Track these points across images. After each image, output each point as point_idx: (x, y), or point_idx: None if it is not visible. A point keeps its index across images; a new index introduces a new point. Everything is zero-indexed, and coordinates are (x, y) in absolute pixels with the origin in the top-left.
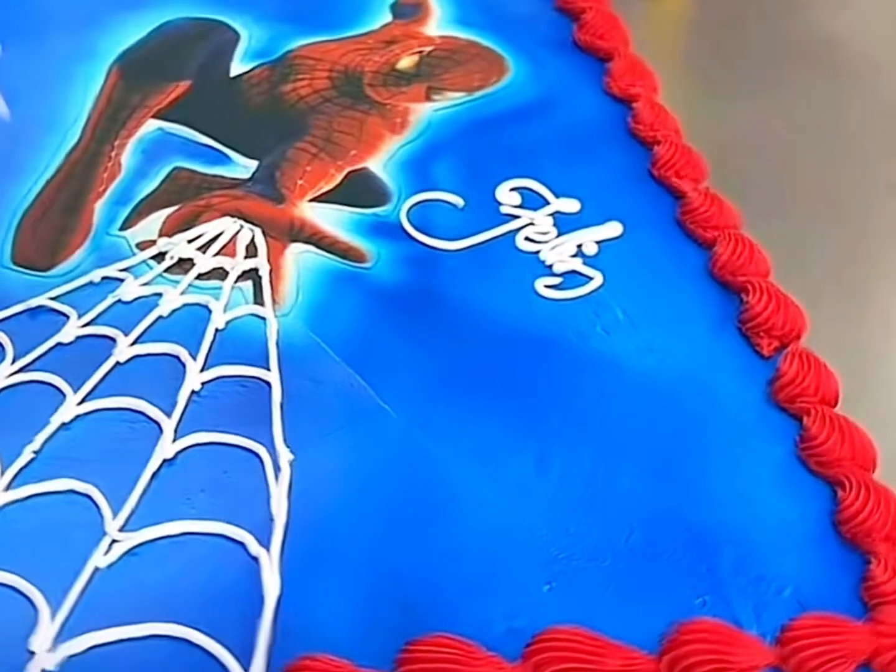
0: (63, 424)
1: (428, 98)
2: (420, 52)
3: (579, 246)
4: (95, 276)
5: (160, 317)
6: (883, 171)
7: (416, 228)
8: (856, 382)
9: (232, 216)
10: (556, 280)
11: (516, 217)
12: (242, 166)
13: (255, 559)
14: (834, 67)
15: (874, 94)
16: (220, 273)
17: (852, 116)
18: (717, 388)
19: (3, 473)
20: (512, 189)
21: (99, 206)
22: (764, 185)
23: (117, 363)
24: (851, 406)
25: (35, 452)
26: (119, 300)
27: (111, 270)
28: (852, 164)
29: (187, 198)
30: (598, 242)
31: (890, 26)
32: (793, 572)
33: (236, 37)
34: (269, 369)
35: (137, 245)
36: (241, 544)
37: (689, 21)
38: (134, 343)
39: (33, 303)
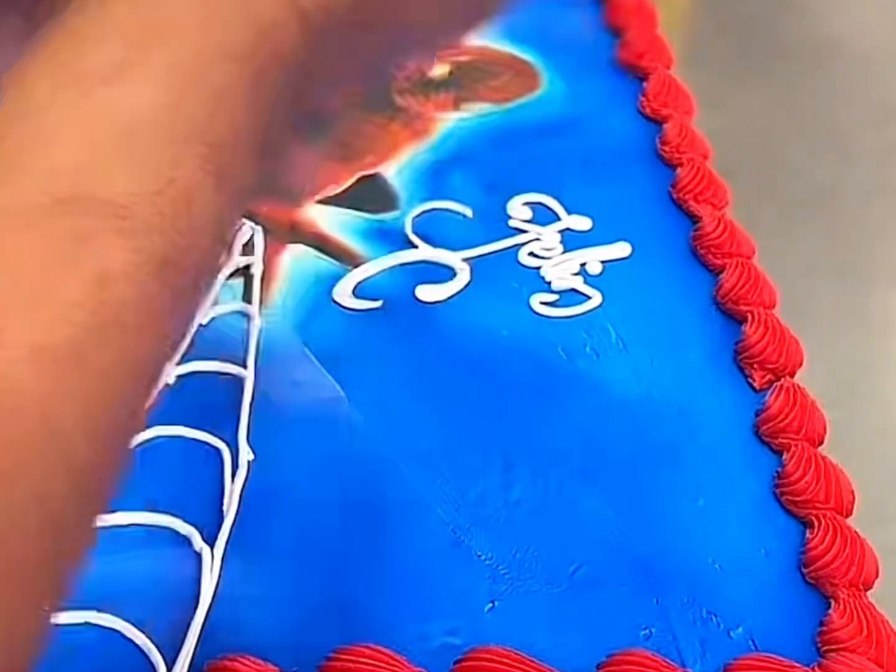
0: None
1: (456, 108)
2: (455, 60)
3: (583, 264)
4: None
5: None
6: (878, 172)
7: (419, 237)
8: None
9: None
10: (553, 297)
11: (523, 231)
12: None
13: (199, 555)
14: (831, 68)
15: (869, 94)
16: None
17: (848, 117)
18: (701, 418)
19: None
20: (524, 203)
21: None
22: (755, 181)
23: None
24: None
25: None
26: None
27: None
28: (847, 163)
29: None
30: (603, 262)
31: (887, 29)
32: (748, 611)
33: None
34: (245, 367)
35: None
36: (188, 539)
37: (690, 20)
38: None
39: None
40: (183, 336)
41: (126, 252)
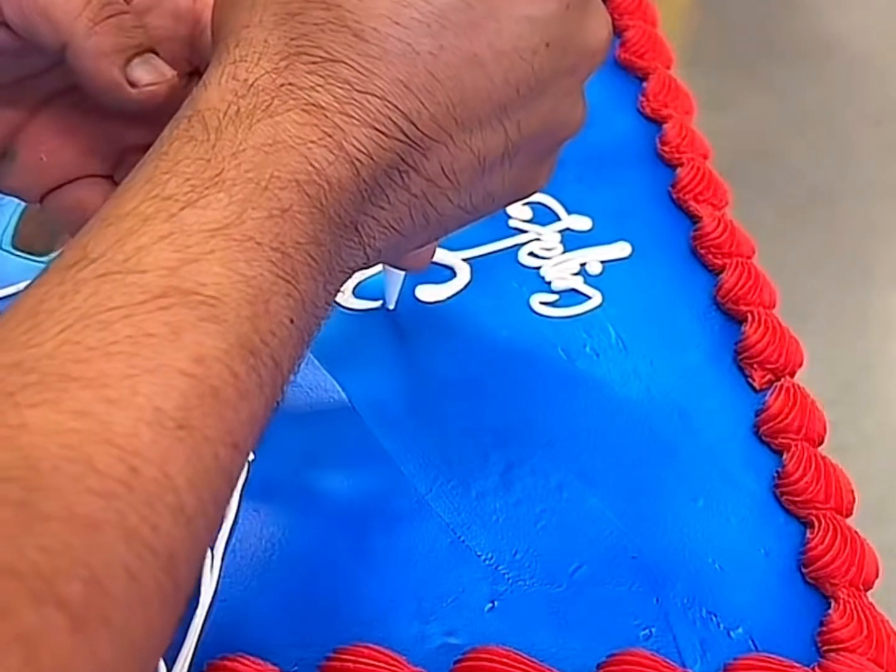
0: None
1: None
2: None
3: (583, 264)
4: None
5: None
6: (878, 172)
7: None
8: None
9: None
10: (553, 297)
11: (523, 231)
12: None
13: None
14: (831, 68)
15: (869, 94)
16: None
17: (848, 117)
18: (701, 418)
19: None
20: (524, 203)
21: None
22: (755, 181)
23: None
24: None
25: None
26: None
27: None
28: (847, 164)
29: None
30: (603, 262)
31: (887, 29)
32: (748, 611)
33: None
34: None
35: None
36: None
37: (690, 20)
38: None
39: (23, 286)
40: (268, 415)
41: (217, 337)
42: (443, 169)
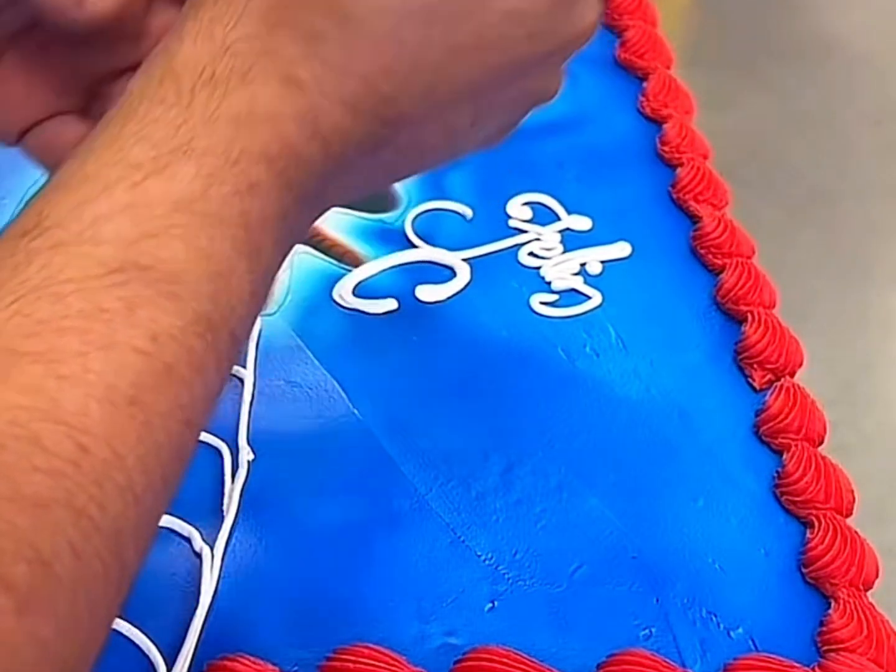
0: None
1: None
2: None
3: (583, 264)
4: None
5: None
6: (878, 172)
7: (419, 237)
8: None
9: None
10: (553, 297)
11: (523, 231)
12: None
13: (199, 555)
14: (831, 68)
15: (869, 94)
16: None
17: (848, 117)
18: (701, 418)
19: None
20: (524, 203)
21: None
22: (755, 181)
23: None
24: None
25: None
26: None
27: None
28: (847, 164)
29: None
30: (602, 262)
31: (887, 29)
32: (748, 611)
33: None
34: (244, 367)
35: None
36: (188, 539)
37: (690, 20)
38: None
39: None
40: (223, 388)
41: (173, 314)
42: (411, 141)
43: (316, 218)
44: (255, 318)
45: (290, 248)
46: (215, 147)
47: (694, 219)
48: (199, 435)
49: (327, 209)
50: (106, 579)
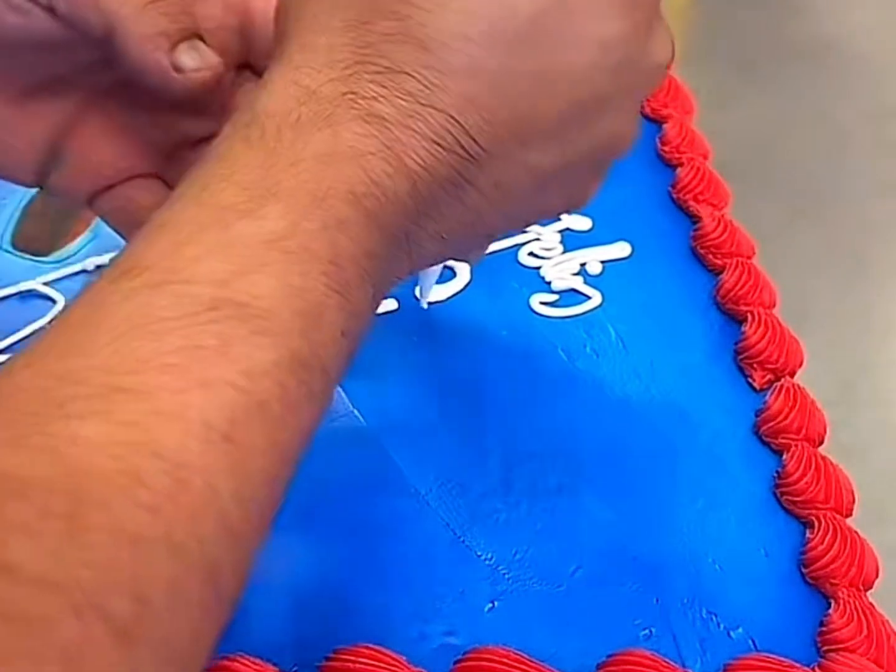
0: None
1: None
2: None
3: (583, 264)
4: (89, 264)
5: None
6: (878, 171)
7: None
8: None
9: None
10: (553, 297)
11: (523, 231)
12: None
13: None
14: (831, 68)
15: (869, 94)
16: None
17: (848, 116)
18: (701, 418)
19: None
20: None
21: None
22: (755, 181)
23: None
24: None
25: None
26: None
27: (105, 259)
28: (847, 163)
29: None
30: (603, 262)
31: (887, 29)
32: (748, 611)
33: None
34: None
35: None
36: None
37: (690, 21)
38: None
39: (24, 286)
40: (317, 424)
41: (267, 350)
42: (497, 183)
43: (409, 267)
44: (350, 357)
45: (383, 292)
46: (302, 186)
47: (694, 219)
48: (294, 468)
49: (421, 258)
50: (203, 612)
